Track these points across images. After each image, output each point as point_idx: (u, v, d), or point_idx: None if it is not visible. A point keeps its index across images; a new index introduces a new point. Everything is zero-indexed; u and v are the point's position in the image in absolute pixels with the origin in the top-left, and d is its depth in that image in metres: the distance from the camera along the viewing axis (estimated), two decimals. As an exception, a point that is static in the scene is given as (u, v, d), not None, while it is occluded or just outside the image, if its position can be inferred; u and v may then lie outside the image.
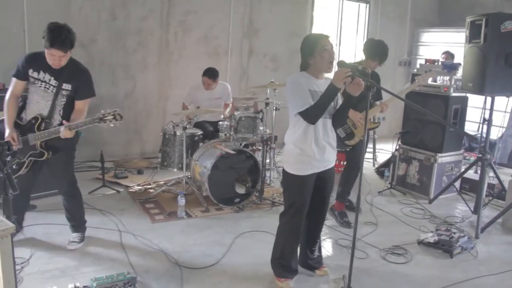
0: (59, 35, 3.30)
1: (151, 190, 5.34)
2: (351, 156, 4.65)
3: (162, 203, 4.99)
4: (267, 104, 5.82)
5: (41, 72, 3.48)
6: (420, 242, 4.18)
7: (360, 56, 8.90)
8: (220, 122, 5.51)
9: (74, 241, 3.86)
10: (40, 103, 3.55)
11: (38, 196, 4.71)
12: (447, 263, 3.89)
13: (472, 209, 5.03)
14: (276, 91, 5.81)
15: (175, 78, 7.06)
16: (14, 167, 3.53)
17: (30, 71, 3.48)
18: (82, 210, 4.01)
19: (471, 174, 5.85)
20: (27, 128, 3.54)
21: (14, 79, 3.54)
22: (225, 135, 5.31)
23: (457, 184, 5.56)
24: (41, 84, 3.50)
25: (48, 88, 3.51)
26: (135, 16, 6.58)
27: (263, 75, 7.54)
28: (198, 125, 5.87)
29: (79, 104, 3.64)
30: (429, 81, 5.02)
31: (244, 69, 7.70)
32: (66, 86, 3.53)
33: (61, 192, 3.91)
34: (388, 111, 4.59)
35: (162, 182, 5.59)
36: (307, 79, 3.11)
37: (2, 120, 3.56)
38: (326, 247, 4.12)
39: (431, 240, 4.13)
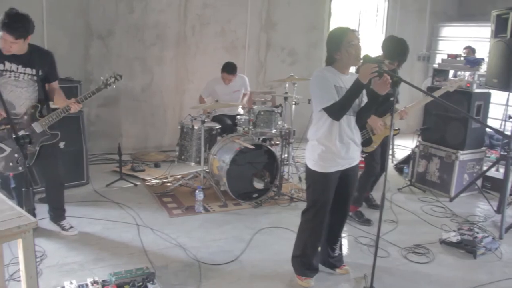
0: (13, 21, 3.30)
1: (168, 184, 5.32)
2: (370, 162, 4.50)
3: (180, 197, 4.96)
4: (286, 98, 5.75)
5: (7, 63, 3.50)
6: (442, 242, 4.09)
7: (378, 52, 8.80)
8: (239, 116, 5.45)
9: (72, 227, 3.96)
10: (15, 91, 3.57)
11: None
12: (471, 263, 3.81)
13: (495, 208, 4.93)
14: (295, 85, 5.74)
15: (192, 71, 7.02)
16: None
17: None
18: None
19: (492, 172, 5.72)
20: (28, 120, 3.61)
21: None
22: (244, 129, 5.26)
23: (479, 182, 5.46)
24: (10, 74, 3.52)
25: (18, 77, 3.54)
26: (152, 9, 6.54)
27: (280, 69, 7.48)
28: (216, 118, 5.82)
29: (55, 85, 3.80)
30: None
31: (261, 63, 7.63)
32: (35, 71, 3.59)
33: (56, 182, 3.93)
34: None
35: (179, 176, 5.56)
36: (333, 74, 3.04)
37: None
38: (346, 245, 4.06)
39: (454, 239, 4.03)
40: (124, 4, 6.34)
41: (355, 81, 2.90)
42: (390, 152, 7.05)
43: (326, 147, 3.06)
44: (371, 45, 8.91)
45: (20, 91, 3.58)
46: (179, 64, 6.93)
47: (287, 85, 5.97)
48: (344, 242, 4.06)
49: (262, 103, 5.87)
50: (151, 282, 3.09)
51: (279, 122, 5.26)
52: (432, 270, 3.67)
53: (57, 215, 4.00)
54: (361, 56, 2.99)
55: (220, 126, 5.42)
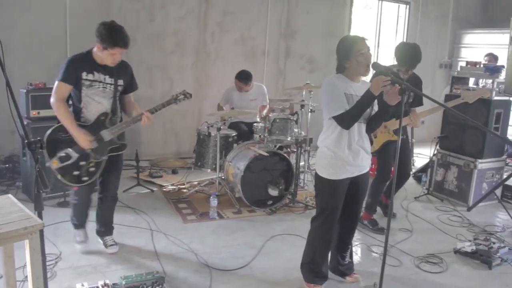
0: (122, 34, 3.32)
1: (185, 190, 5.38)
2: (380, 168, 4.49)
3: (195, 203, 5.01)
4: (302, 106, 5.77)
5: (95, 73, 3.43)
6: (457, 251, 4.04)
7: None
8: (255, 124, 5.49)
9: (113, 244, 3.83)
10: (102, 103, 3.52)
11: (74, 193, 4.83)
12: (486, 274, 3.74)
13: (513, 218, 4.84)
14: (312, 93, 5.75)
15: (212, 78, 7.09)
16: (91, 169, 3.46)
17: (84, 74, 3.40)
18: None
19: (514, 182, 5.63)
20: (96, 127, 3.50)
21: (60, 84, 3.39)
22: (260, 136, 5.29)
23: (498, 191, 5.36)
24: (99, 85, 3.46)
25: (106, 87, 3.49)
26: (173, 17, 6.65)
27: (299, 76, 7.49)
28: (233, 126, 5.87)
29: (130, 97, 3.80)
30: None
31: (280, 70, 7.67)
32: (120, 82, 3.57)
33: (110, 194, 3.79)
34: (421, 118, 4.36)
35: (195, 182, 5.62)
36: (344, 82, 3.04)
37: (58, 128, 3.42)
38: (358, 253, 4.04)
39: (469, 249, 3.97)
40: (144, 12, 6.46)
41: (367, 92, 2.89)
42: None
43: (335, 154, 3.07)
44: (392, 52, 8.87)
45: (107, 102, 3.54)
46: (199, 71, 7.01)
47: (304, 92, 5.99)
48: (357, 250, 4.05)
49: (281, 111, 5.88)
50: (161, 286, 3.13)
51: (295, 130, 5.27)
52: (445, 280, 3.61)
53: (104, 230, 3.87)
54: (371, 64, 2.99)
55: (236, 133, 5.46)
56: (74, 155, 3.38)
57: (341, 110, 2.95)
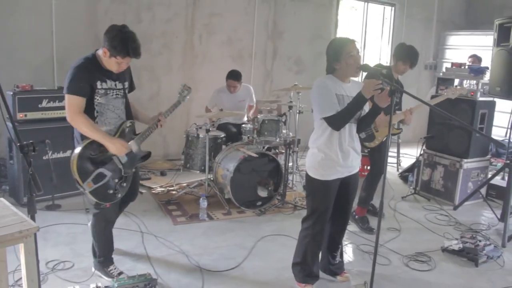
0: (135, 43, 3.06)
1: (174, 192, 5.38)
2: (375, 161, 4.60)
3: (184, 205, 5.01)
4: (290, 107, 5.80)
5: (108, 81, 3.17)
6: (444, 250, 4.11)
7: (385, 60, 8.85)
8: (244, 125, 5.51)
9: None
10: (116, 111, 3.26)
11: (62, 196, 4.81)
12: (472, 271, 3.81)
13: (498, 216, 4.93)
14: (300, 94, 5.79)
15: (199, 80, 7.09)
16: (123, 184, 3.25)
17: (98, 83, 3.10)
18: None
19: (498, 181, 5.73)
20: (122, 138, 3.25)
21: (72, 97, 3.01)
22: (248, 137, 5.31)
23: (483, 190, 5.45)
24: (112, 93, 3.20)
25: (118, 94, 3.25)
26: (160, 19, 6.64)
27: (287, 78, 7.54)
28: (221, 127, 5.88)
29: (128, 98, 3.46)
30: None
31: (268, 71, 7.70)
32: (126, 85, 3.35)
33: (132, 200, 3.72)
34: (414, 115, 4.48)
35: (184, 184, 5.62)
36: (334, 82, 3.08)
37: (86, 147, 3.06)
38: (348, 252, 4.08)
39: (456, 247, 4.04)
40: (132, 14, 6.43)
41: (358, 95, 2.93)
42: (396, 161, 7.08)
43: (326, 155, 3.10)
44: (378, 54, 8.97)
45: (121, 109, 3.30)
46: (186, 73, 7.01)
47: (292, 94, 6.03)
48: (346, 249, 4.09)
49: (268, 112, 5.92)
50: (153, 288, 3.14)
51: (284, 131, 5.31)
52: (433, 278, 3.68)
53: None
54: (360, 65, 3.03)
55: (225, 135, 5.48)
56: (108, 174, 3.13)
57: (332, 111, 2.98)
